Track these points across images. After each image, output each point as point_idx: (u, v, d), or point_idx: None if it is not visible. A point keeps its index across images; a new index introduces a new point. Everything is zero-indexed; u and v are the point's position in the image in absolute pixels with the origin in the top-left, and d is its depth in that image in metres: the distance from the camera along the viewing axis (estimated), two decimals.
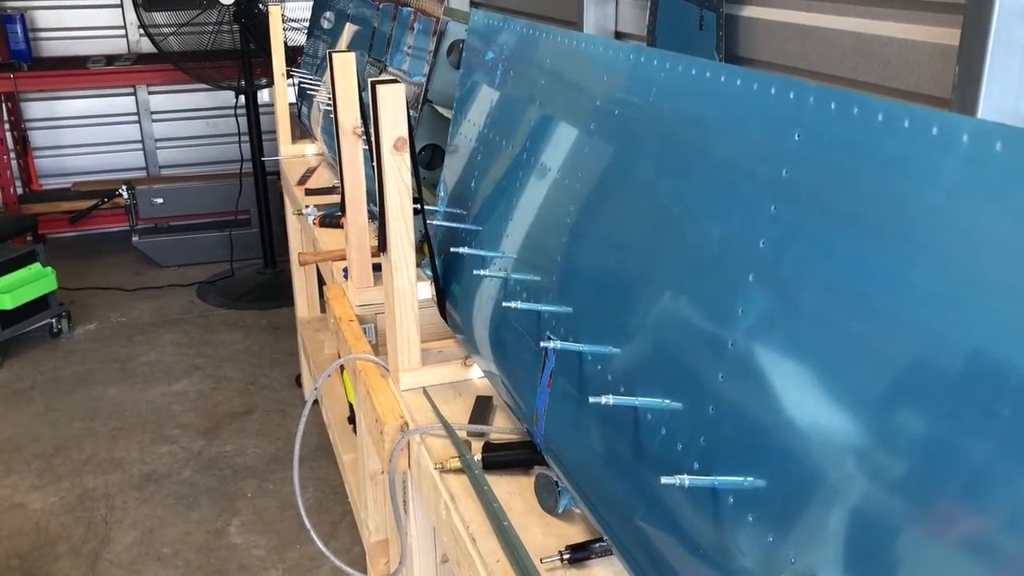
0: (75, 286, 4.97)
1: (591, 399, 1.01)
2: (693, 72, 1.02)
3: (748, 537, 0.85)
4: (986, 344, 0.64)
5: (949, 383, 0.67)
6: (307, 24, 4.42)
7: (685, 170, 1.01)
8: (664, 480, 0.87)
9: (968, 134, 0.67)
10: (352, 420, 2.97)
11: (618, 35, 3.17)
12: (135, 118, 5.95)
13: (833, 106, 0.80)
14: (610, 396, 1.01)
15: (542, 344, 1.20)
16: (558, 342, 1.18)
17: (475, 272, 1.51)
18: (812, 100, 0.83)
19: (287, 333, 4.45)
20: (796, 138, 0.84)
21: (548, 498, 1.35)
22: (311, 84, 3.39)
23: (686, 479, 0.87)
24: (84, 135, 5.87)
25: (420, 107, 2.10)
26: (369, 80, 1.58)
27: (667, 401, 0.99)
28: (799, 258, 0.83)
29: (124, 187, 5.35)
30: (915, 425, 0.69)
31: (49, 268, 4.37)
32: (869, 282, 0.76)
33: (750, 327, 0.87)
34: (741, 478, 0.87)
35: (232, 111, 5.14)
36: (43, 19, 5.67)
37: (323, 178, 3.32)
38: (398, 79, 1.59)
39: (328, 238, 2.67)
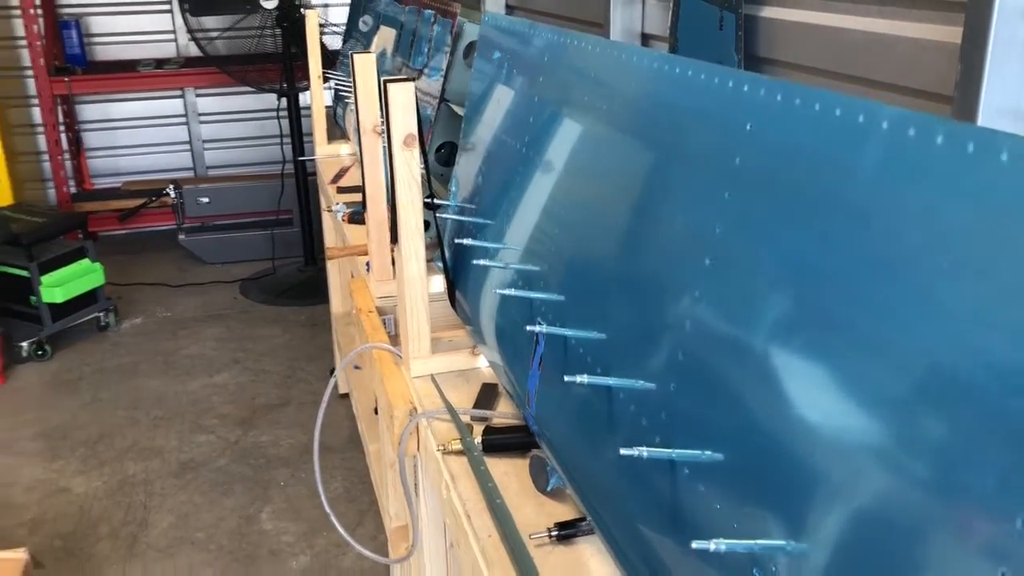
0: (123, 281, 5.15)
1: (566, 378, 1.06)
2: (665, 68, 1.08)
3: (702, 507, 0.90)
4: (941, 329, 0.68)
5: (879, 350, 0.71)
6: (344, 28, 4.53)
7: (651, 161, 1.06)
8: (623, 451, 0.92)
9: (888, 121, 0.72)
10: (377, 411, 3.06)
11: (644, 37, 3.21)
12: (183, 120, 6.13)
13: (797, 102, 0.85)
14: (584, 375, 1.06)
15: (530, 328, 1.26)
16: (545, 327, 1.23)
17: (480, 263, 1.57)
18: (763, 92, 0.88)
19: (324, 329, 4.56)
20: (748, 128, 0.89)
21: (540, 478, 1.40)
22: (345, 86, 3.48)
23: (644, 451, 0.92)
24: (135, 136, 6.06)
25: (438, 106, 2.17)
26: (382, 79, 1.66)
27: (637, 382, 1.04)
28: (751, 241, 0.88)
29: (171, 187, 5.52)
30: (851, 395, 0.74)
31: (98, 264, 4.54)
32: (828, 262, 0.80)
33: (705, 308, 0.92)
34: (698, 451, 0.92)
35: (275, 113, 5.28)
36: (97, 24, 5.88)
37: (355, 177, 3.41)
38: (414, 78, 1.66)
39: (355, 234, 2.76)
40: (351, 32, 4.21)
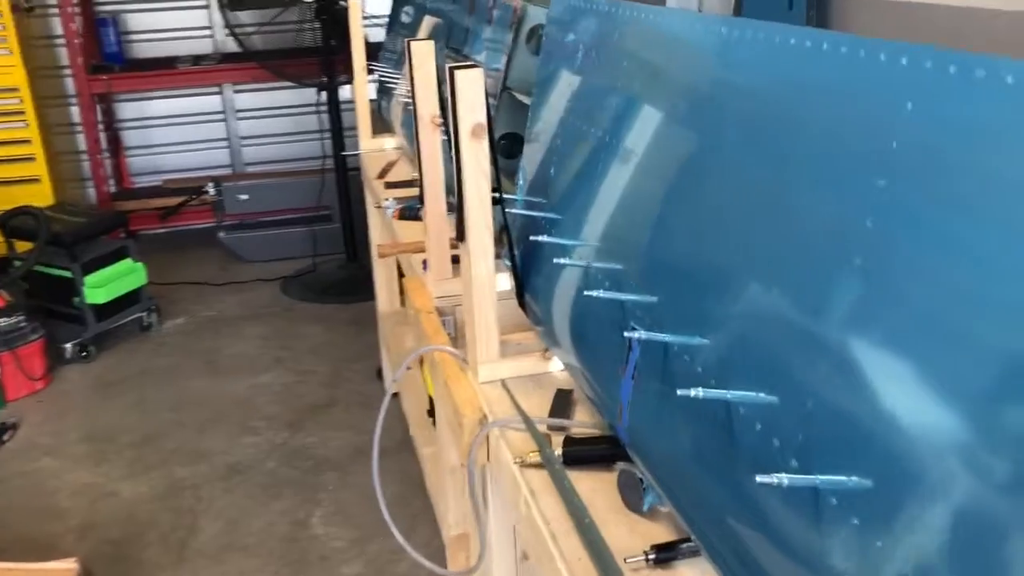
0: (164, 281, 5.10)
1: (679, 392, 0.95)
2: (792, 42, 0.96)
3: (852, 541, 0.78)
4: None
5: None
6: (387, 19, 4.44)
7: (780, 149, 0.94)
8: (760, 479, 0.81)
9: None
10: (431, 413, 2.96)
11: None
12: (222, 116, 6.08)
13: (952, 70, 0.73)
14: (699, 388, 0.95)
15: (626, 335, 1.14)
16: (643, 332, 1.12)
17: (555, 261, 1.46)
18: (929, 65, 0.76)
19: (368, 327, 4.47)
20: (909, 108, 0.77)
21: (632, 495, 1.30)
22: (391, 78, 3.39)
23: (784, 478, 0.81)
24: (173, 134, 6.02)
25: (499, 95, 2.06)
26: (447, 66, 1.55)
27: (761, 395, 0.93)
28: (911, 243, 0.76)
29: (211, 184, 5.47)
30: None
31: (140, 263, 4.49)
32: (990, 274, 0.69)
33: (854, 317, 0.81)
34: (844, 477, 0.80)
35: (314, 108, 5.20)
36: (134, 22, 5.84)
37: (402, 171, 3.32)
38: (477, 64, 1.56)
39: (407, 231, 2.66)
40: (393, 24, 4.11)
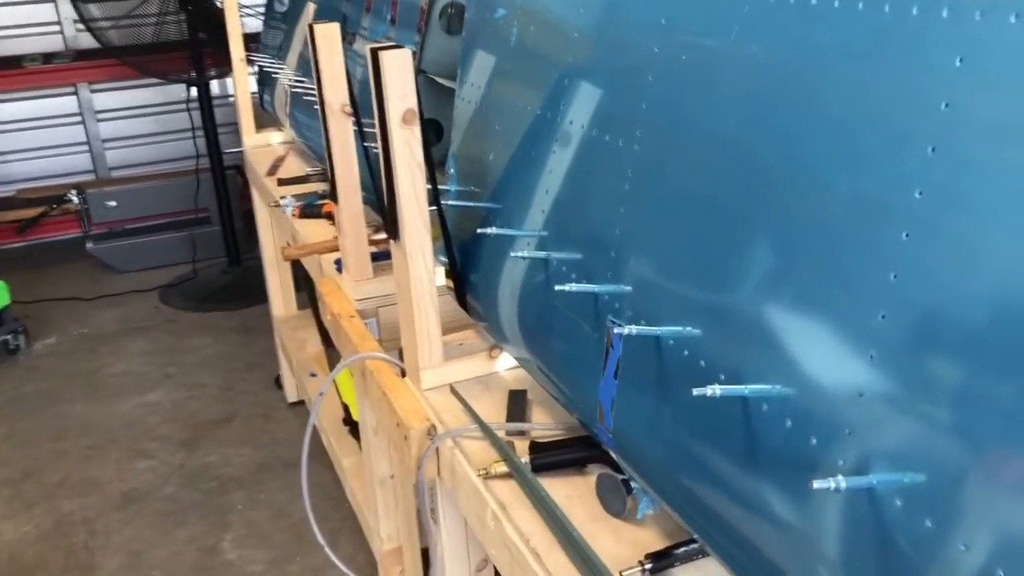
0: (30, 299, 4.69)
1: (695, 391, 0.86)
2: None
3: (919, 540, 0.71)
4: None
5: None
6: (260, 10, 4.20)
7: (794, 107, 0.86)
8: (817, 484, 0.73)
9: None
10: (347, 421, 2.81)
11: None
12: (79, 118, 5.65)
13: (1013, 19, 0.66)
14: (716, 387, 0.86)
15: (616, 331, 1.05)
16: (630, 327, 1.03)
17: (508, 254, 1.35)
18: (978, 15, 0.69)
19: (260, 333, 4.24)
20: (958, 64, 0.70)
21: (615, 500, 1.21)
22: (275, 68, 3.18)
23: (842, 481, 0.73)
24: (26, 139, 5.55)
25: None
26: (368, 47, 1.41)
27: (778, 387, 0.85)
28: (970, 214, 0.69)
29: (74, 192, 5.08)
30: None
31: (1, 282, 4.11)
32: None
33: (903, 299, 0.73)
34: (900, 475, 0.73)
35: (183, 105, 4.89)
36: None
37: (294, 167, 3.13)
38: (398, 45, 1.42)
39: (308, 229, 2.49)
40: (269, 13, 3.88)
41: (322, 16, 2.91)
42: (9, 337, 4.19)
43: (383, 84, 1.39)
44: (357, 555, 2.76)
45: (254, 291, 4.46)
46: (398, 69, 1.39)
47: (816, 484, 0.73)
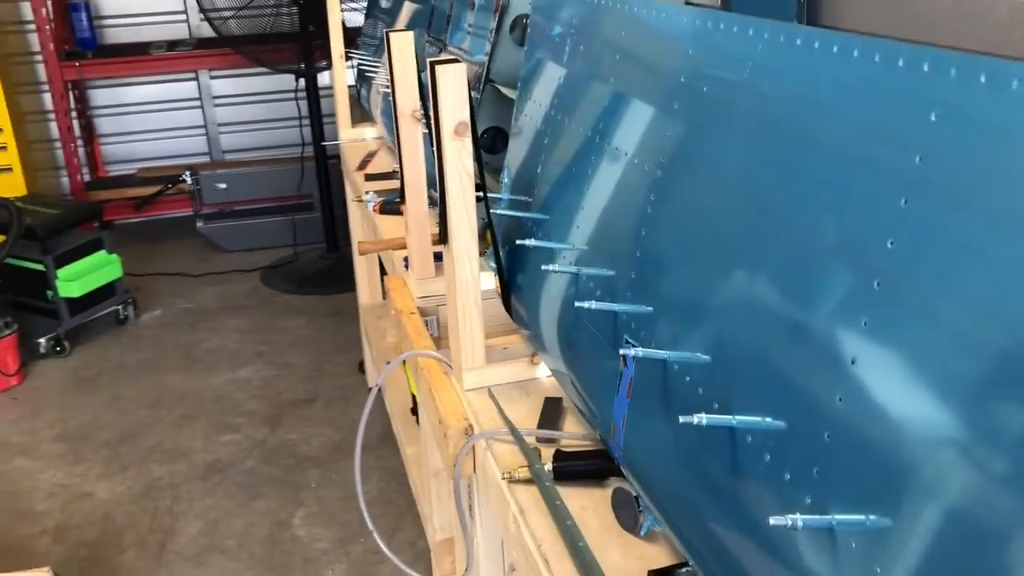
0: (141, 272, 4.99)
1: (681, 419, 0.89)
2: (798, 42, 0.89)
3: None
4: None
5: None
6: (365, 4, 4.33)
7: (793, 155, 0.87)
8: (774, 521, 0.74)
9: None
10: (415, 411, 2.89)
11: (687, 4, 3.00)
12: (198, 103, 5.95)
13: (983, 79, 0.66)
14: (703, 415, 0.88)
15: (621, 351, 1.08)
16: (639, 349, 1.05)
17: (544, 267, 1.39)
18: (954, 73, 0.69)
19: (350, 319, 4.40)
20: (932, 119, 0.70)
21: (627, 516, 1.23)
22: (370, 66, 3.29)
23: (799, 519, 0.74)
24: (148, 121, 5.88)
25: (482, 88, 1.98)
26: (428, 60, 1.47)
27: (769, 420, 0.86)
28: (936, 262, 0.69)
29: (188, 173, 5.36)
30: None
31: (115, 255, 4.39)
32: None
33: (877, 340, 0.74)
34: (863, 517, 0.74)
35: (293, 94, 5.09)
36: (107, 6, 5.69)
37: (383, 163, 3.23)
38: (458, 58, 1.48)
39: (388, 225, 2.58)
40: (372, 9, 4.01)
41: (415, 16, 3.00)
42: (119, 308, 4.47)
43: (437, 96, 1.45)
44: (417, 541, 2.85)
45: (349, 278, 4.60)
46: (453, 83, 1.45)
47: (773, 521, 0.75)
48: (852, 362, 0.75)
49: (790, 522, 0.74)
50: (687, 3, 2.79)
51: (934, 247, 0.70)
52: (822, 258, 0.81)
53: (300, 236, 5.28)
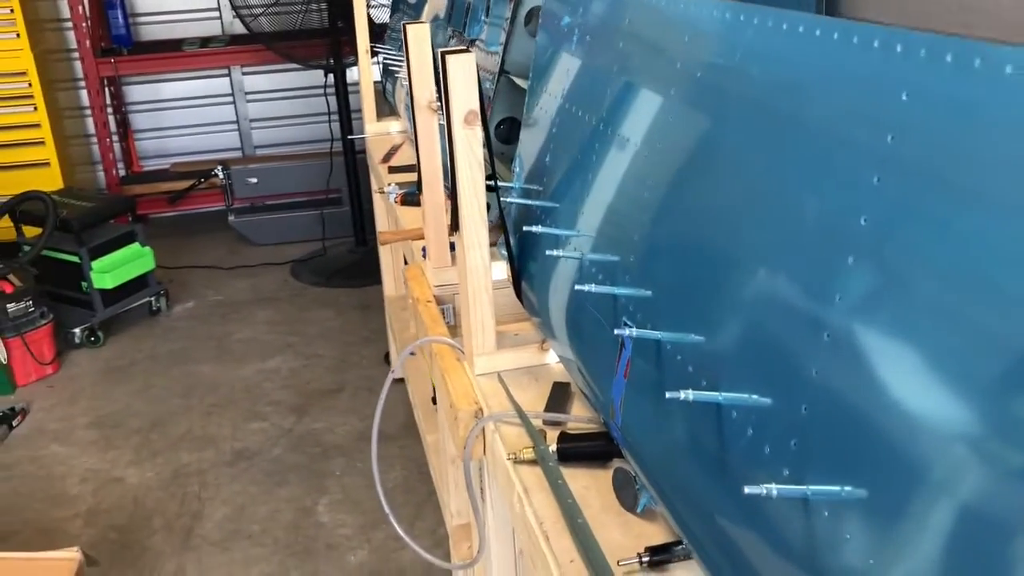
0: (173, 264, 5.09)
1: (668, 394, 0.91)
2: (784, 27, 0.91)
3: (848, 556, 0.74)
4: None
5: None
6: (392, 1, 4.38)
7: (776, 139, 0.89)
8: (748, 490, 0.77)
9: None
10: (435, 400, 2.93)
11: None
12: (230, 99, 6.04)
13: (949, 59, 0.68)
14: (689, 391, 0.91)
15: (616, 332, 1.10)
16: (634, 329, 1.08)
17: (548, 252, 1.42)
18: (923, 53, 0.71)
19: (377, 311, 4.45)
20: (904, 98, 0.72)
21: (627, 495, 1.26)
22: (394, 60, 3.34)
23: (774, 488, 0.77)
24: (182, 117, 5.99)
25: (497, 79, 2.01)
26: (439, 51, 1.51)
27: (753, 397, 0.89)
28: (906, 238, 0.71)
29: (220, 167, 5.45)
30: None
31: (148, 248, 4.48)
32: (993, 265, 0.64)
33: (848, 315, 0.76)
34: (837, 487, 0.76)
35: (322, 90, 5.16)
36: (142, 3, 5.80)
37: (407, 155, 3.27)
38: (469, 49, 1.51)
39: (409, 216, 2.62)
40: (398, 5, 4.05)
41: (443, 9, 3.03)
42: (152, 299, 4.56)
43: (448, 86, 1.49)
44: (438, 529, 2.89)
45: (376, 270, 4.65)
46: (462, 72, 1.48)
47: (747, 490, 0.77)
48: (823, 337, 0.77)
49: (764, 491, 0.77)
50: None
51: (905, 224, 0.72)
52: (800, 239, 0.83)
53: (329, 230, 5.35)
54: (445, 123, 1.55)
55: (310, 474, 3.28)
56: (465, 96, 1.49)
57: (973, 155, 0.66)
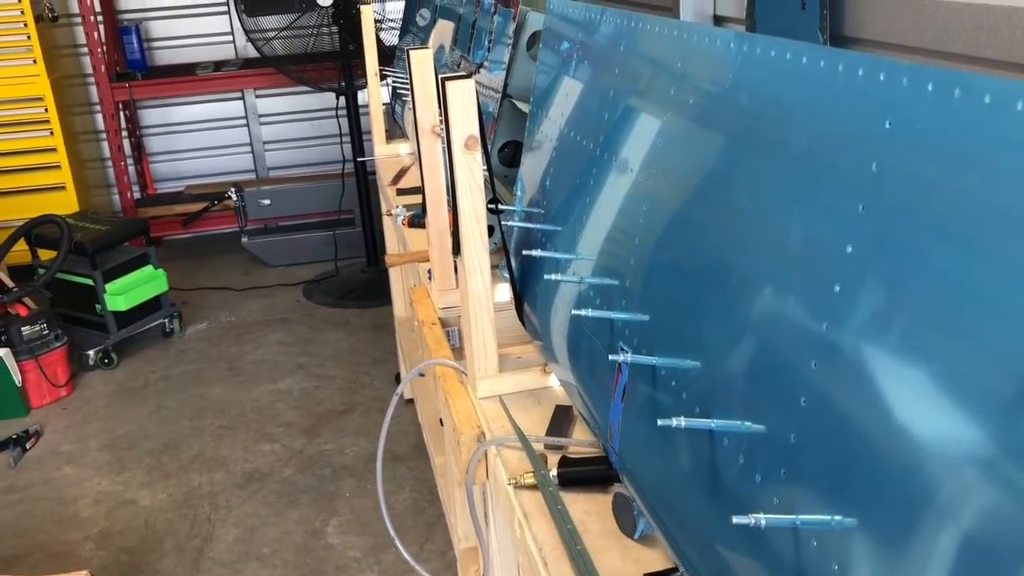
0: (187, 286, 5.13)
1: (660, 422, 0.91)
2: (772, 55, 0.91)
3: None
4: None
5: None
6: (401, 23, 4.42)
7: (763, 167, 0.89)
8: (736, 519, 0.76)
9: None
10: (443, 422, 2.93)
11: (717, 19, 3.02)
12: (244, 122, 6.10)
13: (930, 87, 0.68)
14: (681, 418, 0.91)
15: (611, 357, 1.10)
16: (629, 354, 1.08)
17: (548, 276, 1.42)
18: (905, 82, 0.71)
19: (388, 332, 4.47)
20: (887, 126, 0.72)
21: (626, 520, 1.25)
22: (402, 83, 3.36)
23: (762, 519, 0.76)
24: (196, 140, 6.05)
25: (500, 102, 2.02)
26: (440, 76, 1.52)
27: (745, 424, 0.88)
28: (891, 265, 0.71)
29: (233, 189, 5.49)
30: None
31: (161, 270, 4.51)
32: (978, 296, 0.64)
33: (835, 343, 0.76)
34: (828, 517, 0.76)
35: (334, 112, 5.20)
36: (156, 29, 5.88)
37: (415, 178, 3.28)
38: (470, 73, 1.52)
39: (416, 238, 2.63)
40: (408, 27, 4.09)
41: (446, 33, 3.06)
42: (165, 321, 4.59)
43: (448, 111, 1.50)
44: (447, 551, 2.88)
45: (388, 291, 4.68)
46: (462, 98, 1.49)
47: (736, 519, 0.77)
48: (811, 365, 0.77)
49: (753, 521, 0.76)
50: (716, 20, 2.80)
51: (890, 252, 0.72)
52: (789, 267, 0.83)
53: (341, 251, 5.38)
54: (446, 147, 1.56)
55: (320, 495, 3.28)
56: (465, 121, 1.50)
57: (955, 183, 0.66)
